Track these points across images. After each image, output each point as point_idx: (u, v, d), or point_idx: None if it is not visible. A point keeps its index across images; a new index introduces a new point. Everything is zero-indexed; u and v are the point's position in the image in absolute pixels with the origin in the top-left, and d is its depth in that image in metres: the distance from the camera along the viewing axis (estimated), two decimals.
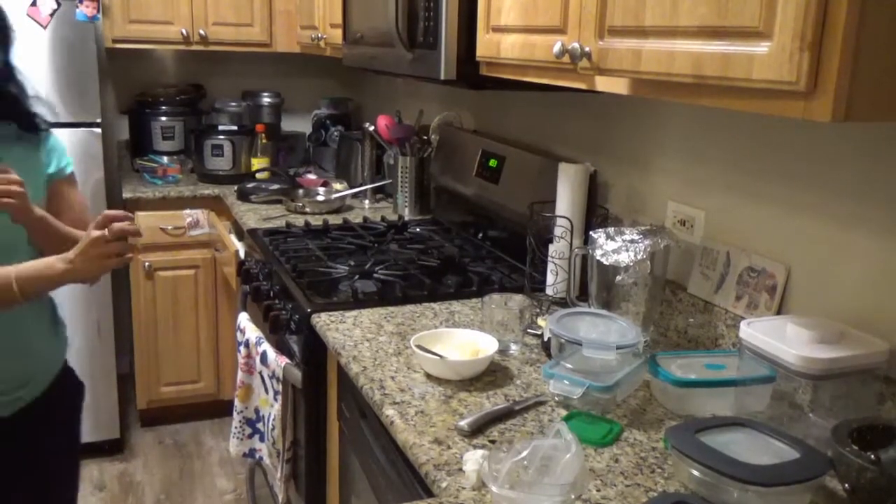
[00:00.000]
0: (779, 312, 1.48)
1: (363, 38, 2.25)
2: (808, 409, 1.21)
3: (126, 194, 3.19)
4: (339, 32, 2.49)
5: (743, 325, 1.31)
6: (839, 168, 1.37)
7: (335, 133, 3.55)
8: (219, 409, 3.41)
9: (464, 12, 1.72)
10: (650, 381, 1.44)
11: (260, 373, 2.10)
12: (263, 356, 2.07)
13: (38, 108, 1.65)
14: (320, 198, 2.98)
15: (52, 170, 1.66)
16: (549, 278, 1.90)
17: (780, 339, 1.24)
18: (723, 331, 1.59)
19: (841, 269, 1.37)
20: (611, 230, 1.64)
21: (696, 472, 1.09)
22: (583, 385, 1.34)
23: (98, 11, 3.17)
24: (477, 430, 1.30)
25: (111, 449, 3.21)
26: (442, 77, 1.76)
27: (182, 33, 3.33)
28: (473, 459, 1.17)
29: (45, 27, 3.14)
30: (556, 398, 1.41)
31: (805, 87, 0.91)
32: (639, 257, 1.56)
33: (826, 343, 1.21)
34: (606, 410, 1.37)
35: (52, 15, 3.13)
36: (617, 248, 1.58)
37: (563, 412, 1.38)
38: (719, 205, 1.64)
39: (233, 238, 2.82)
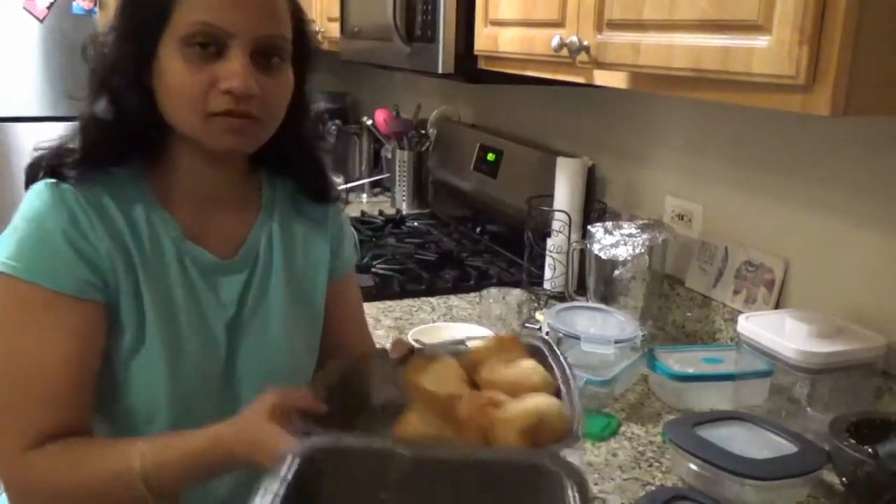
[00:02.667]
0: (777, 307, 1.48)
1: (361, 31, 2.24)
2: (805, 404, 1.22)
3: None
4: (336, 26, 2.48)
5: (741, 319, 1.31)
6: (838, 162, 1.37)
7: (333, 127, 3.53)
8: None
9: (462, 6, 1.72)
10: (648, 376, 1.44)
11: None
12: None
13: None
14: None
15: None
16: (547, 272, 1.90)
17: (779, 333, 1.24)
18: (721, 325, 1.59)
19: (839, 264, 1.37)
20: (609, 224, 1.63)
21: (693, 466, 1.10)
22: (581, 379, 1.34)
23: (95, 5, 3.16)
24: None
25: None
26: (440, 71, 1.76)
27: None
28: None
29: (41, 21, 3.13)
30: None
31: (804, 81, 0.91)
32: (637, 251, 1.56)
33: (824, 337, 1.21)
34: (604, 404, 1.37)
35: (48, 8, 3.12)
36: (615, 243, 1.58)
37: None
38: (718, 199, 1.64)
39: None
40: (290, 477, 0.66)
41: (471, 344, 0.95)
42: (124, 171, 1.00)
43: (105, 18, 3.28)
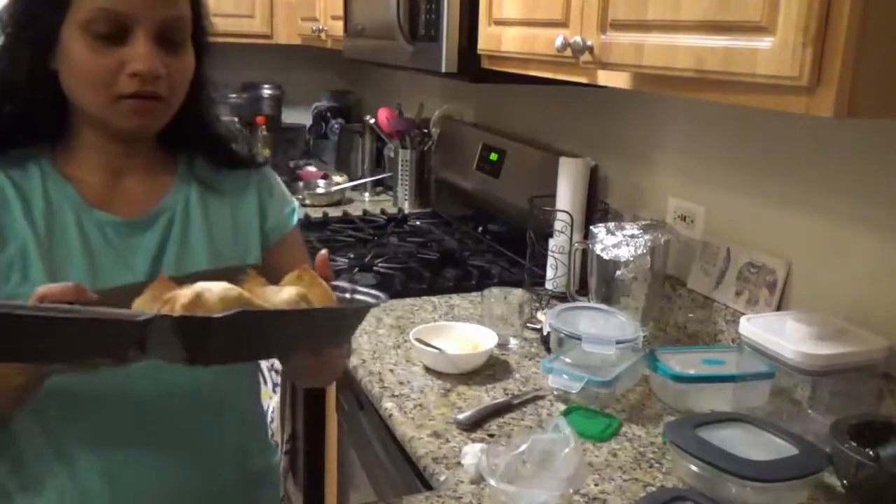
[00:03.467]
0: (779, 308, 1.47)
1: (364, 30, 2.24)
2: (806, 406, 1.21)
3: None
4: (340, 24, 2.48)
5: (743, 320, 1.31)
6: (842, 164, 1.36)
7: (335, 125, 3.54)
8: None
9: (465, 5, 1.71)
10: (649, 376, 1.43)
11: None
12: None
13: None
14: (320, 190, 2.97)
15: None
16: (549, 273, 1.89)
17: (780, 335, 1.23)
18: (722, 326, 1.59)
19: (841, 266, 1.37)
20: (611, 225, 1.63)
21: (694, 468, 1.09)
22: (582, 379, 1.34)
23: None
24: (475, 423, 1.30)
25: None
26: (443, 70, 1.76)
27: None
28: (472, 453, 1.17)
29: None
30: (555, 392, 1.41)
31: (808, 82, 0.90)
32: (639, 252, 1.56)
33: (825, 339, 1.21)
34: (605, 405, 1.37)
35: None
36: (617, 243, 1.58)
37: (562, 406, 1.38)
38: (720, 200, 1.64)
39: None
40: None
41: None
42: (27, 152, 1.02)
43: None
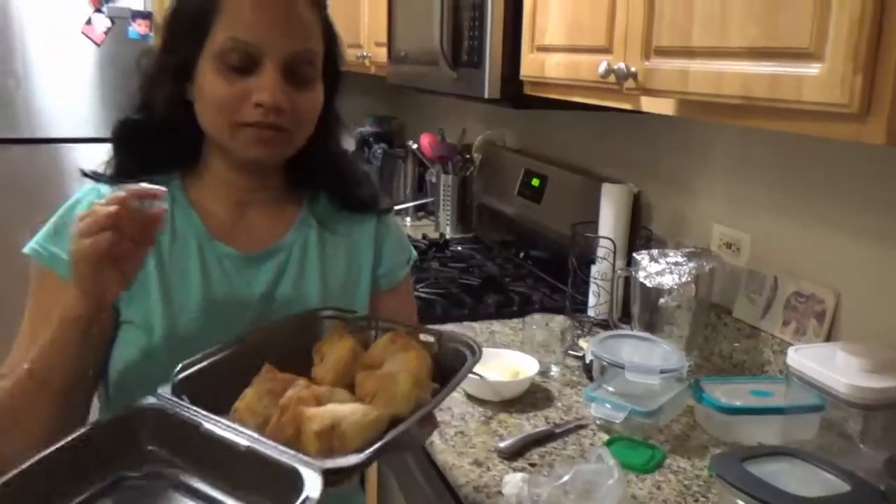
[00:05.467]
0: (828, 339, 1.44)
1: (408, 56, 2.26)
2: (858, 440, 1.18)
3: None
4: (383, 51, 2.51)
5: (791, 351, 1.28)
6: (892, 190, 1.33)
7: (378, 150, 3.57)
8: None
9: (508, 32, 1.72)
10: (694, 407, 1.41)
11: None
12: None
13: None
14: None
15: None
16: (591, 299, 1.88)
17: (830, 366, 1.20)
18: (769, 357, 1.55)
19: (893, 295, 1.33)
20: (654, 252, 1.61)
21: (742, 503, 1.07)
22: (625, 409, 1.32)
23: (150, 30, 3.25)
24: (517, 452, 1.29)
25: None
26: (486, 96, 1.76)
27: None
28: (513, 483, 1.16)
29: (98, 45, 3.23)
30: (598, 422, 1.39)
31: (858, 110, 0.89)
32: (683, 280, 1.54)
33: (878, 372, 1.18)
34: (649, 436, 1.35)
35: (106, 33, 3.22)
36: (661, 271, 1.56)
37: (605, 436, 1.36)
38: (766, 227, 1.61)
39: None
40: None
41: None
42: (161, 177, 1.04)
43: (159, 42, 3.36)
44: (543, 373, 1.59)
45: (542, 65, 1.61)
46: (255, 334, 0.99)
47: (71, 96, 3.22)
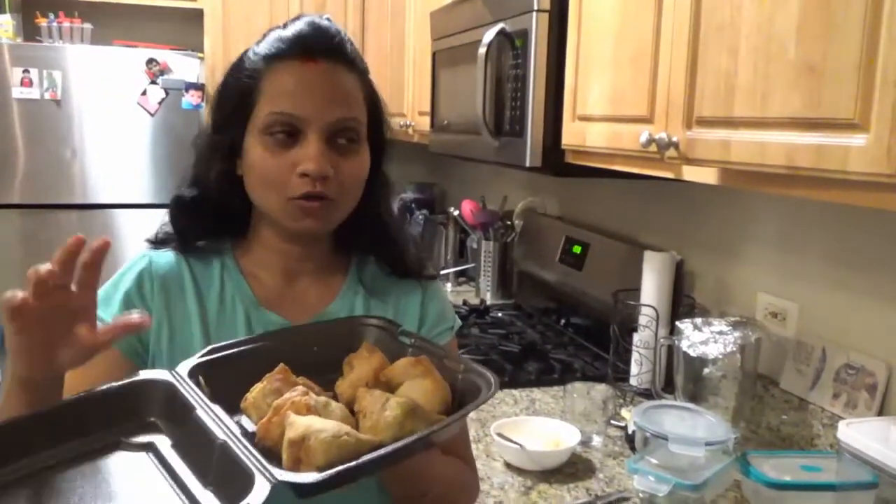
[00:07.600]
0: (880, 413, 1.40)
1: (450, 125, 2.31)
2: None
3: None
4: (426, 120, 2.56)
5: (842, 425, 1.24)
6: None
7: (420, 217, 3.61)
8: None
9: (550, 101, 1.75)
10: (741, 481, 1.37)
11: None
12: None
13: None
14: None
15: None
16: (634, 368, 1.85)
17: (884, 442, 1.17)
18: (819, 430, 1.51)
19: None
20: (698, 321, 1.59)
21: None
22: (669, 482, 1.29)
23: (203, 100, 3.37)
24: None
25: None
26: (527, 164, 1.78)
27: None
28: None
29: (153, 115, 3.35)
30: (641, 495, 1.35)
31: None
32: (728, 350, 1.51)
33: None
34: None
35: (160, 103, 3.34)
36: (705, 340, 1.54)
37: None
38: (814, 297, 1.58)
39: None
40: None
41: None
42: (212, 246, 1.09)
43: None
44: (585, 443, 1.56)
45: (583, 134, 1.63)
46: (294, 332, 1.01)
47: (125, 164, 3.34)
